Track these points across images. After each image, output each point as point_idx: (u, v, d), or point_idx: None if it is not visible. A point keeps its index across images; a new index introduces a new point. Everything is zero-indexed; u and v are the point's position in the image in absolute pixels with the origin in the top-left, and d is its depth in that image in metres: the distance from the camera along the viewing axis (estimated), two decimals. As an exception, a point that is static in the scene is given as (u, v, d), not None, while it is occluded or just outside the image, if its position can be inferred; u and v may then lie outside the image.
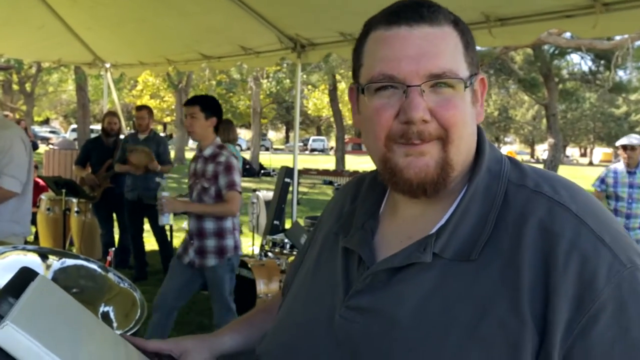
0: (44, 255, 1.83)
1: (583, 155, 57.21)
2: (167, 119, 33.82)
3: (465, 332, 0.73)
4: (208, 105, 3.42)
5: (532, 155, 48.57)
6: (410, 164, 0.80)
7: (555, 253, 0.73)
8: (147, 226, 6.00)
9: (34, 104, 28.25)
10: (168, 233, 5.71)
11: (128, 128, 8.73)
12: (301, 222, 5.68)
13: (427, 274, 0.79)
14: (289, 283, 1.05)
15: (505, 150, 48.81)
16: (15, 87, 23.73)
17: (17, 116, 16.30)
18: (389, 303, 0.80)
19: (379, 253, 0.87)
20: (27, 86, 24.06)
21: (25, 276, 0.89)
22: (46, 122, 30.94)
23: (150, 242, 6.11)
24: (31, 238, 6.36)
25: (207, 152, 3.44)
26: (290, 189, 6.04)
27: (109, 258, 2.61)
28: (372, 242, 0.89)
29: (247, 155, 23.79)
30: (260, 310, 1.19)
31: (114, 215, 6.24)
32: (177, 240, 7.63)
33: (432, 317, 0.76)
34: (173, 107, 27.18)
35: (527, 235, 0.75)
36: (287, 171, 6.00)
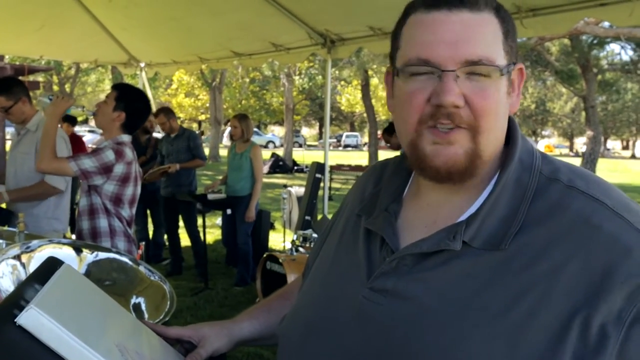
0: (78, 249, 1.88)
1: (625, 147, 55.54)
2: (202, 117, 34.28)
3: (493, 320, 0.73)
4: (124, 97, 2.87)
5: (571, 149, 47.42)
6: (438, 152, 0.80)
7: (596, 246, 0.73)
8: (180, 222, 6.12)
9: (75, 104, 28.92)
10: (200, 230, 5.81)
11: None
12: (330, 217, 5.70)
13: (455, 261, 0.79)
14: (310, 265, 1.06)
15: (543, 143, 47.81)
16: (55, 87, 24.41)
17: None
18: (415, 287, 0.80)
19: (402, 236, 0.87)
20: (67, 87, 24.74)
21: (51, 265, 0.92)
22: (85, 121, 31.81)
23: (184, 238, 6.23)
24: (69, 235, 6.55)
25: (102, 144, 2.90)
26: (322, 184, 6.06)
27: (139, 252, 2.66)
28: (395, 225, 0.89)
29: (280, 151, 23.93)
30: (278, 295, 1.19)
31: (148, 211, 6.38)
32: (210, 236, 7.76)
33: (459, 304, 0.76)
34: (207, 105, 27.52)
35: (563, 228, 0.75)
36: (318, 167, 6.02)
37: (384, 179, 0.99)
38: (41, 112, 2.92)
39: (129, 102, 2.87)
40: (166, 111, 6.09)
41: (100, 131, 3.26)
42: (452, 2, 0.79)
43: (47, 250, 1.79)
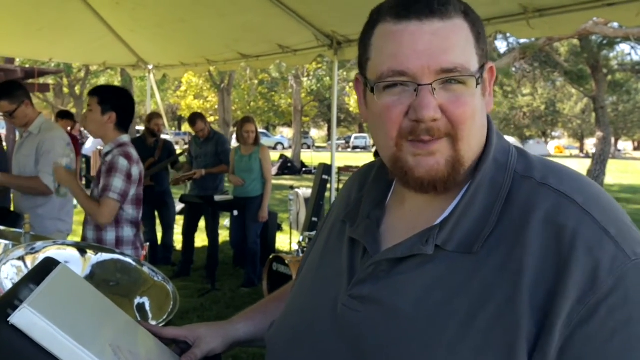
0: (82, 250, 1.90)
1: (637, 148, 55.10)
2: (211, 119, 34.40)
3: (463, 323, 0.73)
4: (108, 98, 2.89)
5: (582, 150, 47.08)
6: (419, 163, 0.80)
7: (558, 245, 0.72)
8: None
9: (84, 107, 29.21)
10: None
11: (173, 129, 8.94)
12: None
13: (428, 265, 0.79)
14: (301, 266, 1.06)
15: (553, 144, 47.53)
16: (65, 90, 24.60)
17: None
18: (390, 293, 0.80)
19: (384, 243, 0.87)
20: (77, 89, 24.92)
21: (47, 265, 0.93)
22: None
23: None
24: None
25: (104, 149, 2.95)
26: (329, 186, 6.06)
27: (143, 252, 2.67)
28: (378, 232, 0.89)
29: (289, 153, 23.96)
30: (273, 298, 1.19)
31: (156, 213, 6.41)
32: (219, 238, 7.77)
33: (432, 308, 0.76)
34: (216, 107, 27.62)
35: (531, 227, 0.74)
36: (325, 168, 6.03)
37: (367, 183, 0.98)
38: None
39: (114, 100, 2.89)
40: (202, 117, 6.15)
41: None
42: (421, 12, 0.77)
43: (51, 252, 1.81)
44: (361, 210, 0.93)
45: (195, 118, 6.06)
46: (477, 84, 0.79)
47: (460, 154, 0.80)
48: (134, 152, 2.91)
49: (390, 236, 0.87)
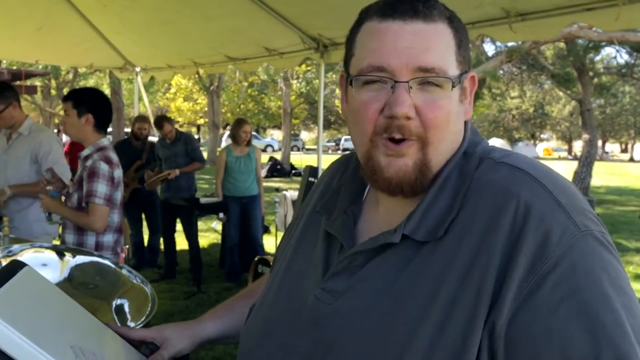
0: (60, 253, 1.90)
1: (624, 151, 55.56)
2: (201, 121, 34.31)
3: (426, 302, 0.75)
4: (82, 100, 2.86)
5: (570, 152, 47.42)
6: (390, 164, 0.82)
7: (511, 216, 0.74)
8: (177, 226, 6.13)
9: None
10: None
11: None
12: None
13: (398, 255, 0.81)
14: (276, 258, 1.07)
15: (541, 147, 47.79)
16: (53, 92, 24.43)
17: (56, 121, 16.79)
18: (362, 286, 0.82)
19: (359, 240, 0.88)
20: (65, 91, 24.68)
21: (12, 268, 0.93)
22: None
23: (179, 242, 6.23)
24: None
25: (84, 152, 2.91)
26: (315, 188, 6.07)
27: (122, 255, 2.67)
28: (355, 229, 0.90)
29: (278, 155, 23.94)
30: (242, 295, 1.20)
31: (143, 215, 6.39)
32: (204, 239, 7.77)
33: (396, 298, 0.78)
34: (206, 109, 27.56)
35: (486, 200, 0.77)
36: (312, 171, 6.04)
37: (345, 176, 0.99)
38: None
39: (88, 102, 2.86)
40: (168, 119, 6.11)
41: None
42: (406, 12, 0.80)
43: (28, 255, 1.81)
44: (338, 203, 0.94)
45: (162, 121, 5.99)
46: (453, 86, 0.81)
47: (428, 157, 0.81)
48: (114, 156, 2.90)
49: (367, 234, 0.88)
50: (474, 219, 0.76)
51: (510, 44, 12.47)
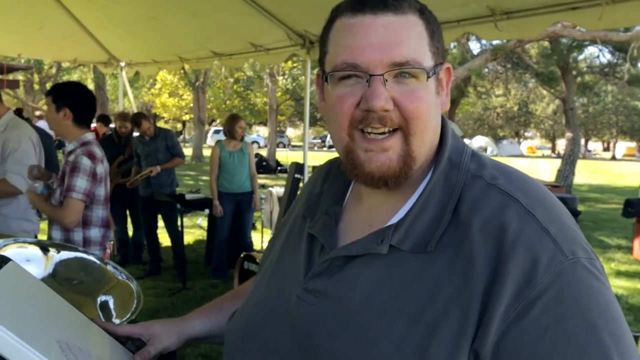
0: (44, 248, 1.87)
1: (606, 149, 56.27)
2: (186, 117, 34.10)
3: (412, 318, 0.75)
4: (60, 94, 2.81)
5: (554, 150, 47.91)
6: (371, 159, 0.81)
7: (501, 243, 0.74)
8: (160, 222, 6.09)
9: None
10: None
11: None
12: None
13: (381, 262, 0.80)
14: (263, 261, 1.07)
15: (525, 145, 48.24)
16: (36, 86, 24.13)
17: (36, 114, 16.58)
18: (343, 287, 0.82)
19: (341, 240, 0.88)
20: (48, 86, 24.44)
21: None
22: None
23: (163, 238, 6.20)
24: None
25: (67, 147, 2.87)
26: (301, 184, 6.07)
27: (108, 251, 2.65)
28: (336, 229, 0.90)
29: (264, 152, 23.90)
30: (231, 295, 1.20)
31: (127, 211, 6.34)
32: (190, 236, 7.74)
33: (382, 303, 0.77)
34: (191, 105, 27.40)
35: (477, 225, 0.76)
36: (298, 167, 6.04)
37: (328, 179, 1.00)
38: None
39: (66, 97, 2.81)
40: (145, 116, 5.97)
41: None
42: (376, 6, 0.80)
43: (11, 250, 1.79)
44: (320, 205, 0.95)
45: (140, 118, 5.85)
46: (428, 76, 0.81)
47: (412, 148, 0.81)
48: (97, 151, 2.86)
49: (348, 233, 0.89)
50: (463, 243, 0.76)
51: (495, 42, 12.57)
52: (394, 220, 0.83)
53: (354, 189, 0.95)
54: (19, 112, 5.09)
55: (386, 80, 0.79)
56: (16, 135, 3.40)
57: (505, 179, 0.81)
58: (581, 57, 18.90)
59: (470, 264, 0.74)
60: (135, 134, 6.11)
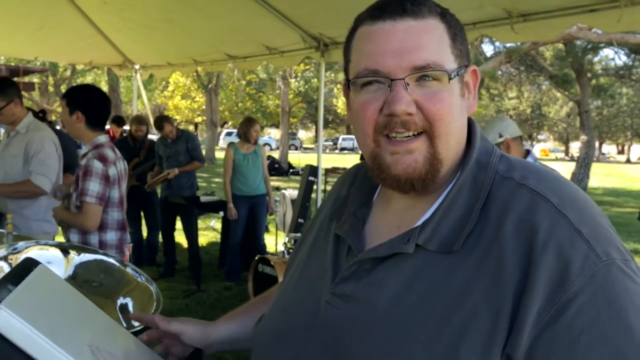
0: (65, 250, 1.89)
1: (620, 152, 55.76)
2: (198, 119, 34.25)
3: (440, 320, 0.74)
4: (72, 98, 2.85)
5: (567, 153, 47.55)
6: (397, 161, 0.82)
7: (532, 245, 0.73)
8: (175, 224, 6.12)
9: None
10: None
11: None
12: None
13: (408, 263, 0.80)
14: (289, 265, 1.07)
15: (538, 147, 47.91)
16: (51, 89, 24.37)
17: (53, 117, 16.76)
18: (371, 291, 0.81)
19: (368, 242, 0.88)
20: (63, 88, 24.67)
21: (26, 266, 0.93)
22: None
23: (177, 240, 6.22)
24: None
25: (82, 150, 2.90)
26: (315, 187, 6.07)
27: (127, 253, 2.66)
28: (363, 230, 0.90)
29: (276, 154, 23.95)
30: (258, 300, 1.20)
31: (142, 213, 6.38)
32: (203, 238, 7.76)
33: (410, 305, 0.77)
34: (203, 107, 27.52)
35: (508, 227, 0.75)
36: (312, 170, 6.04)
37: (355, 183, 1.00)
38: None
39: (79, 100, 2.84)
40: (168, 119, 6.08)
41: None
42: (396, 12, 0.80)
43: (33, 252, 1.80)
44: (347, 207, 0.94)
45: (162, 122, 5.94)
46: (450, 78, 0.80)
47: (438, 151, 0.81)
48: (110, 153, 2.86)
49: (374, 235, 0.88)
50: (493, 244, 0.75)
51: (509, 44, 12.51)
52: (421, 221, 0.83)
53: (381, 192, 0.95)
54: (42, 114, 5.16)
55: (407, 84, 0.79)
56: (39, 137, 3.47)
57: (536, 178, 0.80)
58: (596, 59, 18.76)
59: (500, 266, 0.73)
60: (151, 136, 6.16)
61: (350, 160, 26.76)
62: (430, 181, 0.82)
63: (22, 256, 1.77)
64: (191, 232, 5.87)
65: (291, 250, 4.82)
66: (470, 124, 0.88)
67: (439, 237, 0.79)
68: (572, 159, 35.28)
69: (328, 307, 0.84)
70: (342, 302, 0.83)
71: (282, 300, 0.97)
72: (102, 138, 2.89)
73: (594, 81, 17.61)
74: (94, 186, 2.74)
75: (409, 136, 0.81)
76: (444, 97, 0.80)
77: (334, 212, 0.97)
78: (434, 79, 0.80)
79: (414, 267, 0.79)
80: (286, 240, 5.26)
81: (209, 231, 8.39)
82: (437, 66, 0.79)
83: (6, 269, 1.70)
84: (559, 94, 30.13)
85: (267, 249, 6.18)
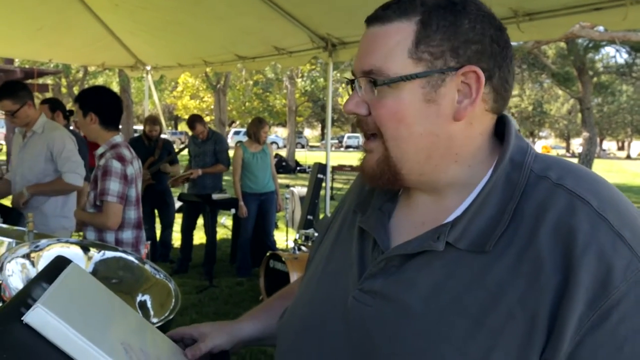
0: (85, 248, 1.94)
1: (620, 148, 55.38)
2: (207, 119, 34.31)
3: (474, 321, 0.72)
4: (84, 100, 2.91)
5: (568, 150, 47.32)
6: (364, 159, 0.87)
7: (571, 248, 0.70)
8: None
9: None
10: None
11: (169, 128, 8.99)
12: (332, 216, 5.82)
13: (439, 262, 0.78)
14: (311, 258, 1.06)
15: (540, 144, 47.63)
16: (63, 90, 24.54)
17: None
18: (401, 289, 0.80)
19: (393, 236, 0.87)
20: (75, 89, 24.83)
21: (59, 264, 0.95)
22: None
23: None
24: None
25: (98, 151, 2.95)
26: (323, 184, 6.13)
27: (145, 251, 2.73)
28: (388, 225, 0.89)
29: (283, 152, 24.00)
30: (279, 296, 1.19)
31: (156, 211, 6.46)
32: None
33: (442, 305, 0.75)
34: (212, 107, 27.61)
35: (545, 228, 0.72)
36: (320, 167, 6.09)
37: None
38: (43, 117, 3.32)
39: (91, 102, 2.89)
40: (200, 119, 6.19)
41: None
42: (374, 18, 0.83)
43: (55, 249, 1.86)
44: (373, 201, 0.93)
45: (194, 122, 6.10)
46: (385, 84, 0.79)
47: (391, 154, 0.82)
48: (126, 153, 2.92)
49: (399, 230, 0.88)
50: (528, 245, 0.73)
51: (513, 43, 12.46)
52: (450, 218, 0.81)
53: (404, 188, 0.93)
54: (70, 114, 5.27)
55: (360, 87, 0.82)
56: (58, 136, 3.58)
57: (573, 179, 0.76)
58: (597, 57, 18.66)
59: (537, 268, 0.71)
60: (164, 135, 6.24)
61: (355, 158, 26.60)
62: (391, 183, 0.84)
63: (44, 254, 1.82)
64: (212, 230, 5.98)
65: (301, 247, 4.91)
66: (505, 122, 0.85)
67: (470, 236, 0.77)
68: (573, 155, 35.09)
69: (355, 303, 0.83)
70: (370, 298, 0.82)
71: (307, 294, 0.96)
72: (118, 138, 2.94)
73: (595, 79, 17.53)
74: (114, 185, 2.80)
75: (368, 136, 0.84)
76: (389, 102, 0.79)
77: (358, 204, 0.96)
78: (384, 83, 0.79)
79: (444, 266, 0.78)
80: (297, 237, 5.33)
81: (220, 228, 8.45)
82: (378, 71, 0.79)
83: (29, 266, 1.74)
84: (560, 92, 30.00)
85: (278, 246, 6.25)
